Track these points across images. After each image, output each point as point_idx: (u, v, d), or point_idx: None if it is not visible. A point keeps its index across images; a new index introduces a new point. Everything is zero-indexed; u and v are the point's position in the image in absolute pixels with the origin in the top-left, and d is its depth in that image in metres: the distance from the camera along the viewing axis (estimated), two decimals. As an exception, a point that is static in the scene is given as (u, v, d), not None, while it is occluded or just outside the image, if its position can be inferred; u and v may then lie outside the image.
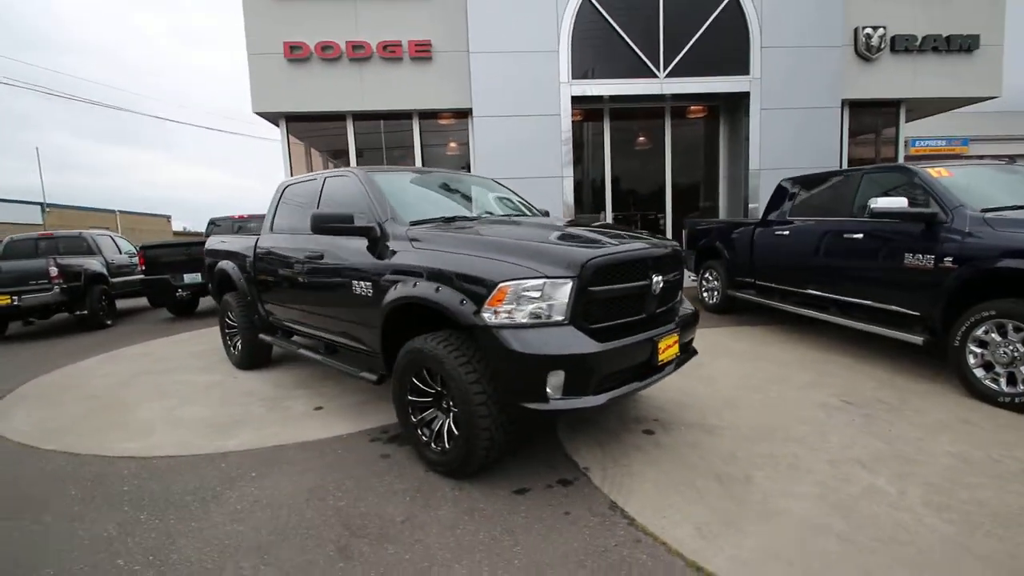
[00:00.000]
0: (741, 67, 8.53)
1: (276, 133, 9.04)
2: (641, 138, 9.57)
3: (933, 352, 3.91)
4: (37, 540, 2.25)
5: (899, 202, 3.91)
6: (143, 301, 10.61)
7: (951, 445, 2.81)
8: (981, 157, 15.93)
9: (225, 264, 4.87)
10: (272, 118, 8.80)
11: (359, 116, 8.84)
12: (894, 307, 4.10)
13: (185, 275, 8.00)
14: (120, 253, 9.50)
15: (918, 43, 9.11)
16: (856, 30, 8.95)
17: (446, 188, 3.83)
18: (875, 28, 8.97)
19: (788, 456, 2.76)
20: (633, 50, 8.36)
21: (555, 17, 8.16)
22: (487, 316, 2.35)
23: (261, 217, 9.64)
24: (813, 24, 8.51)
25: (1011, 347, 3.27)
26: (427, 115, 8.99)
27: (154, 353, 5.87)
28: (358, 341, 3.34)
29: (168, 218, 40.01)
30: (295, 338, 4.42)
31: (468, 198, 3.84)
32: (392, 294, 2.80)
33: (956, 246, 3.59)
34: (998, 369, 3.35)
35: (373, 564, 1.99)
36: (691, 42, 8.40)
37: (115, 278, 8.64)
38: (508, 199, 4.10)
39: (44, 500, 2.59)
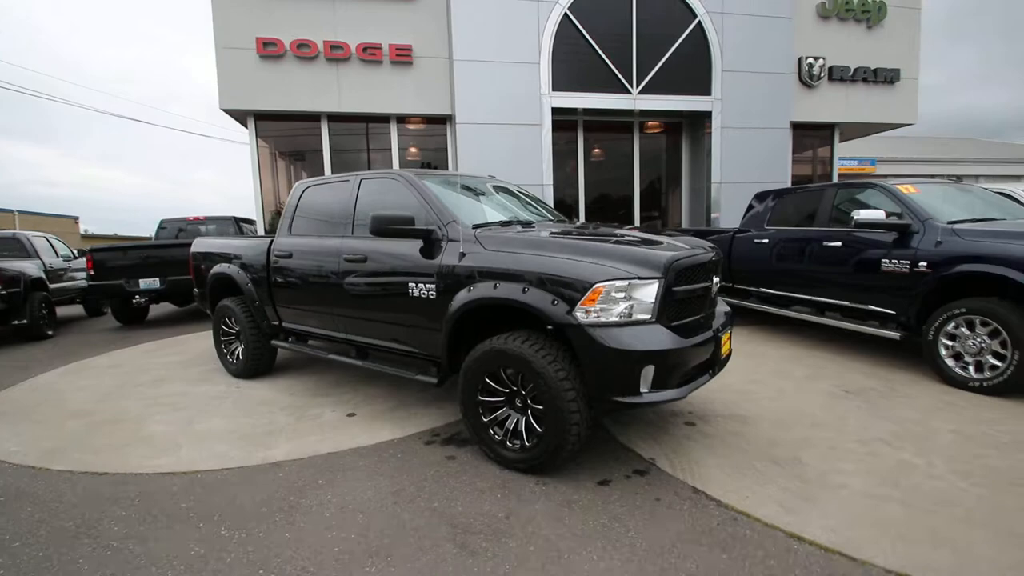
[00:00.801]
0: (704, 88, 9.19)
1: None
2: (611, 150, 10.02)
3: (908, 346, 4.46)
4: (119, 567, 2.07)
5: (879, 214, 4.45)
6: (80, 309, 9.69)
7: (947, 424, 3.25)
8: (898, 176, 18.08)
9: (226, 268, 4.61)
10: (240, 116, 8.37)
11: (335, 118, 8.60)
12: (872, 307, 4.62)
13: (141, 280, 7.37)
14: (57, 256, 8.58)
15: (851, 74, 10.26)
16: (800, 59, 9.93)
17: (481, 193, 3.89)
18: (816, 59, 10.01)
19: (822, 439, 3.07)
20: (609, 67, 8.78)
21: (536, 30, 8.41)
22: (580, 315, 2.47)
23: (219, 219, 9.14)
24: (766, 52, 9.35)
25: (978, 339, 3.82)
26: (405, 120, 8.91)
27: (124, 364, 5.39)
28: (407, 343, 3.32)
29: (76, 219, 36.18)
30: (311, 342, 4.28)
31: (503, 203, 3.92)
32: (465, 296, 2.83)
33: (929, 253, 4.14)
34: (967, 359, 3.90)
35: (501, 558, 2.03)
36: (661, 62, 8.95)
37: (54, 284, 7.80)
38: (532, 203, 4.22)
39: (93, 524, 2.38)
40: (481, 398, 2.84)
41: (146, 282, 7.35)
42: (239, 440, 3.30)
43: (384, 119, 8.88)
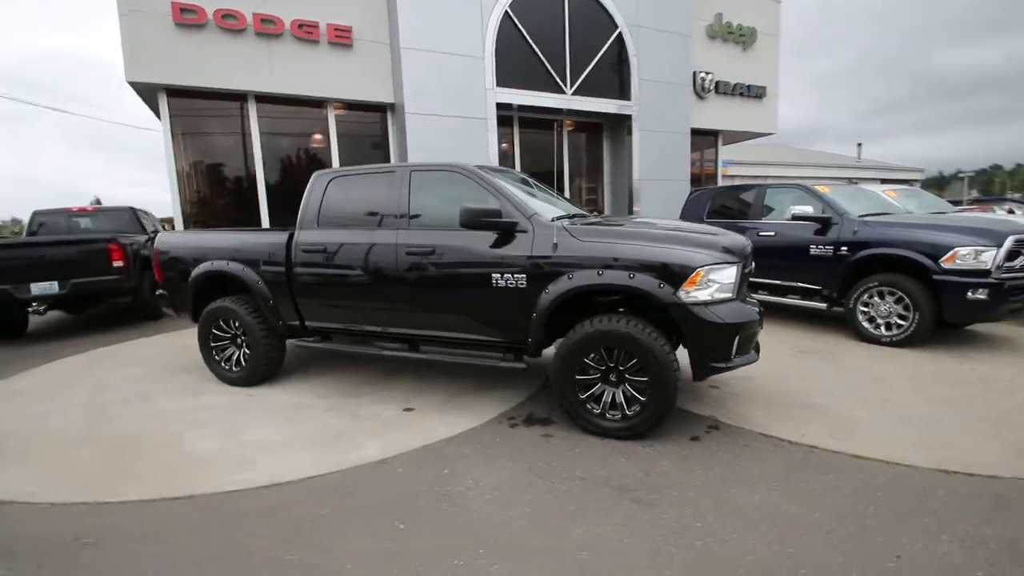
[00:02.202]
0: (625, 93, 10.14)
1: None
2: (542, 146, 10.55)
3: (828, 315, 5.64)
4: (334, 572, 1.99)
5: (809, 209, 5.55)
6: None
7: (898, 368, 4.28)
8: (744, 176, 21.44)
9: (224, 266, 4.14)
10: (149, 92, 7.21)
11: (264, 98, 7.84)
12: (801, 284, 5.76)
13: (33, 285, 6.07)
14: None
15: (731, 88, 12.06)
16: (695, 73, 11.41)
17: (527, 185, 4.06)
18: (707, 73, 11.58)
19: (817, 388, 3.88)
20: (547, 67, 9.25)
21: (480, 25, 8.53)
22: (682, 295, 2.88)
23: (112, 211, 7.89)
24: (672, 64, 10.60)
25: (887, 306, 5.05)
26: (343, 106, 8.44)
27: (68, 385, 4.51)
28: (484, 332, 3.43)
29: None
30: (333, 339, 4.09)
31: (547, 196, 4.12)
32: (567, 284, 3.06)
33: (848, 240, 5.31)
34: (879, 321, 5.12)
35: (676, 502, 2.37)
36: (590, 67, 9.66)
37: None
38: (557, 196, 4.49)
39: (250, 542, 2.20)
40: (578, 377, 3.12)
41: (41, 287, 6.07)
42: (314, 446, 3.13)
43: (319, 103, 8.30)
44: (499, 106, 9.13)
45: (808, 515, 2.26)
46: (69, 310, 7.08)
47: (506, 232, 3.27)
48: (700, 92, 11.63)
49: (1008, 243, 4.53)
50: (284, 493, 2.60)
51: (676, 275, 2.89)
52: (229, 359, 4.30)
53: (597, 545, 2.09)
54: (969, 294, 4.55)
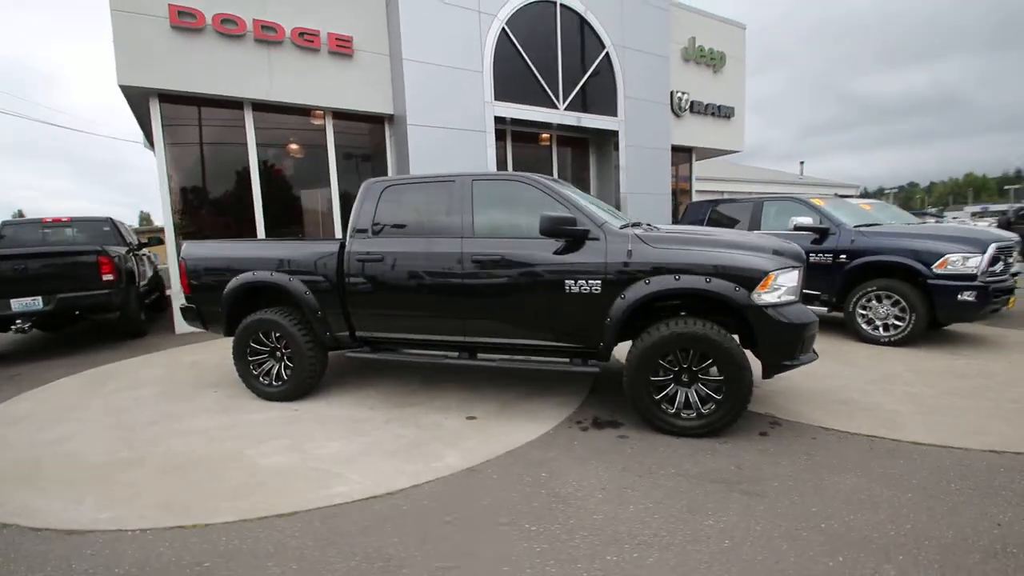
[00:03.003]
0: (613, 110, 10.52)
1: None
2: (534, 160, 10.75)
3: (825, 318, 6.05)
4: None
5: (810, 220, 5.97)
6: None
7: (904, 365, 4.65)
8: (711, 192, 22.58)
9: (267, 276, 4.00)
10: (139, 96, 6.85)
11: (261, 107, 7.61)
12: (805, 290, 6.15)
13: (14, 301, 5.59)
14: None
15: (704, 108, 12.74)
16: (672, 93, 11.99)
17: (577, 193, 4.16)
18: (683, 93, 12.19)
19: (845, 385, 4.15)
20: (541, 83, 9.47)
21: (479, 40, 8.66)
22: (755, 298, 3.06)
23: (89, 221, 7.46)
24: (653, 84, 11.11)
25: (885, 309, 5.48)
26: (342, 116, 8.31)
27: (71, 407, 4.18)
28: (553, 338, 3.49)
29: None
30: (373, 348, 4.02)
31: (598, 204, 4.22)
32: (644, 288, 3.18)
33: (847, 248, 5.75)
34: (877, 323, 5.55)
35: (783, 492, 2.51)
36: (580, 84, 9.98)
37: None
38: (604, 204, 4.61)
39: (385, 555, 2.14)
40: (652, 379, 3.23)
41: (23, 303, 5.59)
42: (391, 457, 3.08)
43: (318, 113, 8.14)
44: (502, 120, 9.26)
45: (901, 496, 2.45)
46: (46, 328, 6.55)
47: (578, 240, 3.36)
48: (677, 111, 12.22)
49: (991, 250, 5.05)
50: (390, 504, 2.54)
51: (749, 279, 3.07)
52: (268, 373, 4.13)
53: (734, 534, 2.18)
54: (959, 296, 5.03)
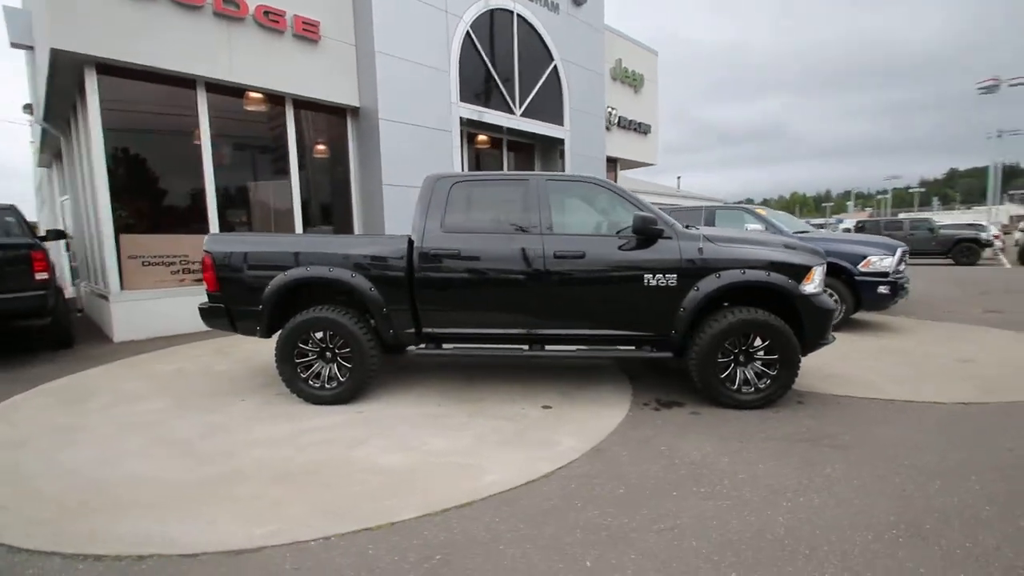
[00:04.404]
0: (560, 119, 11.12)
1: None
2: (487, 162, 10.93)
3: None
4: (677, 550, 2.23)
5: (760, 226, 7.01)
6: None
7: (849, 346, 5.73)
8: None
9: (327, 271, 3.76)
10: (72, 65, 5.78)
11: (216, 88, 6.84)
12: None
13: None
14: None
15: (628, 123, 13.96)
16: (605, 108, 12.98)
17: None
18: (612, 109, 13.25)
19: (827, 363, 5.05)
20: (500, 88, 9.72)
21: (447, 40, 8.66)
22: (803, 289, 3.69)
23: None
24: (592, 98, 11.95)
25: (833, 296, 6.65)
26: (303, 105, 7.76)
27: (68, 429, 3.54)
28: (630, 327, 3.81)
29: None
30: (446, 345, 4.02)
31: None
32: (716, 281, 3.64)
33: (790, 251, 6.87)
34: (815, 312, 6.71)
35: (858, 443, 3.09)
36: (533, 92, 10.41)
37: None
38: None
39: (589, 535, 2.29)
40: (719, 360, 3.71)
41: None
42: (509, 448, 3.16)
43: (278, 99, 7.50)
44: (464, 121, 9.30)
45: (935, 439, 3.18)
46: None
47: (652, 238, 3.73)
48: (609, 125, 13.24)
49: (898, 253, 6.43)
50: (555, 485, 2.66)
51: (799, 273, 3.69)
52: (318, 375, 3.88)
53: (854, 477, 2.69)
54: (879, 289, 6.32)
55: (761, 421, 3.51)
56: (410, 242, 3.84)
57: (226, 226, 7.06)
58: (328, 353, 3.88)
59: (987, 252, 16.96)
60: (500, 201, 3.94)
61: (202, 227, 6.84)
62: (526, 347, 3.97)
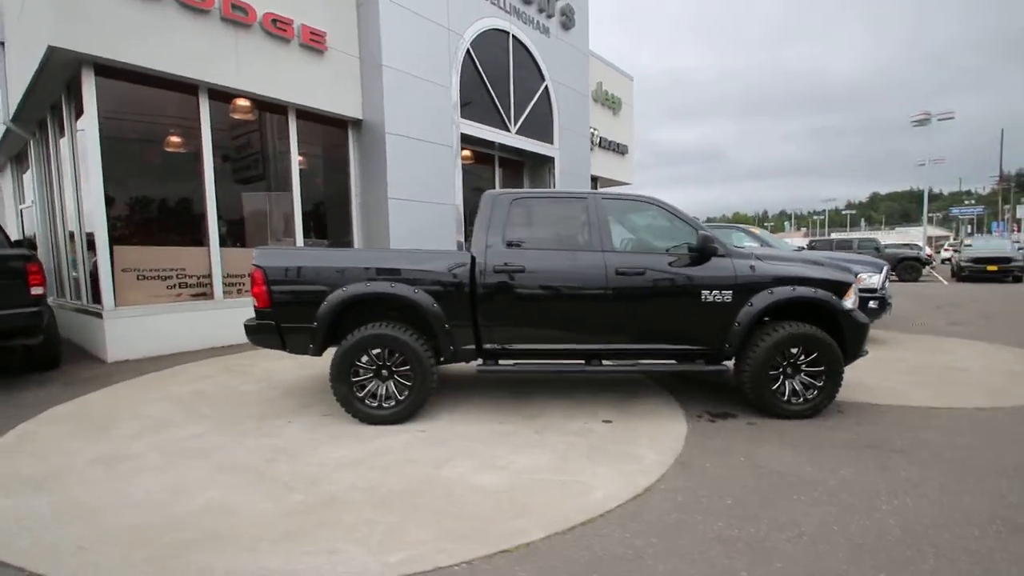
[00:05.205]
0: (550, 138, 11.34)
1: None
2: (480, 178, 10.96)
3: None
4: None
5: (756, 244, 7.41)
6: None
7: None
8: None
9: (390, 287, 3.66)
10: (68, 62, 5.39)
11: (219, 95, 6.55)
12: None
13: None
14: None
15: (608, 144, 14.42)
16: (589, 128, 13.36)
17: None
18: (595, 129, 13.66)
19: (881, 378, 5.37)
20: (497, 106, 9.82)
21: (449, 57, 8.70)
22: (843, 304, 3.94)
23: None
24: (578, 118, 12.28)
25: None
26: (306, 116, 7.55)
27: (115, 455, 3.24)
28: (686, 341, 3.92)
29: None
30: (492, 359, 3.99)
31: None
32: (768, 297, 3.82)
33: (787, 268, 7.29)
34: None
35: (911, 448, 3.31)
36: (527, 111, 10.59)
37: None
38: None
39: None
40: (770, 372, 3.89)
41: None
42: (593, 463, 3.15)
43: (281, 109, 7.25)
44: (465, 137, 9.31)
45: (973, 439, 3.45)
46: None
47: (707, 255, 3.88)
48: (592, 145, 13.62)
49: (884, 271, 6.96)
50: (661, 498, 2.69)
51: (839, 290, 3.95)
52: (375, 394, 3.75)
53: (927, 478, 2.88)
54: (869, 304, 6.79)
55: (816, 430, 3.69)
56: (473, 257, 3.81)
57: (227, 238, 6.71)
58: (384, 371, 3.76)
59: (925, 270, 18.57)
60: (559, 218, 3.99)
61: (201, 239, 6.48)
62: (583, 362, 4.01)
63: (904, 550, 2.22)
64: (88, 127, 5.51)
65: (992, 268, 15.28)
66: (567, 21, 11.52)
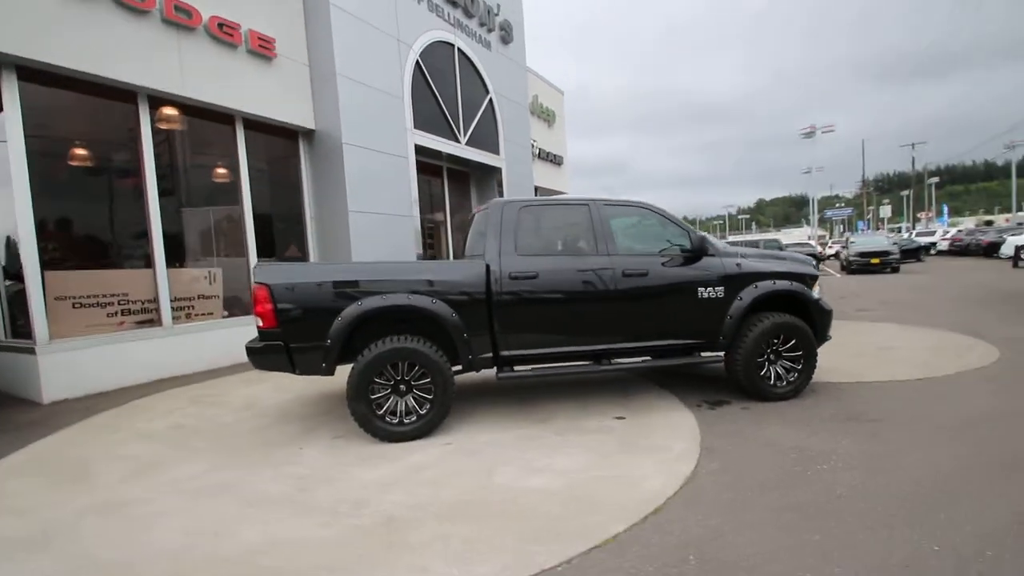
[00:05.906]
0: (497, 149, 11.52)
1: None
2: (428, 190, 10.84)
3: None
4: None
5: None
6: None
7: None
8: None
9: (406, 299, 3.57)
10: (-14, 61, 4.67)
11: (160, 102, 5.98)
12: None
13: None
14: None
15: (546, 155, 14.89)
16: (530, 140, 13.71)
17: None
18: (534, 141, 14.05)
19: (833, 359, 5.98)
20: (447, 116, 9.82)
21: (400, 67, 8.58)
22: (813, 294, 4.44)
23: None
24: (521, 130, 12.59)
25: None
26: (253, 125, 7.09)
27: (124, 501, 2.87)
28: (684, 336, 4.20)
29: None
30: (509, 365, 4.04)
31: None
32: (754, 292, 4.21)
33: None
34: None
35: (887, 417, 3.80)
36: (474, 123, 10.69)
37: None
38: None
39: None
40: (757, 360, 4.27)
41: None
42: (630, 457, 3.29)
43: (226, 118, 6.74)
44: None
45: (955, 407, 4.02)
46: None
47: (698, 255, 4.20)
48: (533, 155, 13.99)
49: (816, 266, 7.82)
50: (715, 486, 2.88)
51: (811, 282, 4.44)
52: (394, 411, 3.63)
53: (914, 444, 3.32)
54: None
55: (803, 409, 4.10)
56: (487, 266, 3.83)
57: (175, 257, 6.11)
58: (402, 386, 3.66)
59: (820, 265, 21.00)
60: (565, 224, 4.13)
61: (143, 261, 5.85)
62: (591, 363, 4.16)
63: (939, 497, 2.58)
64: (12, 137, 4.80)
65: (875, 261, 17.62)
66: (506, 35, 11.82)
